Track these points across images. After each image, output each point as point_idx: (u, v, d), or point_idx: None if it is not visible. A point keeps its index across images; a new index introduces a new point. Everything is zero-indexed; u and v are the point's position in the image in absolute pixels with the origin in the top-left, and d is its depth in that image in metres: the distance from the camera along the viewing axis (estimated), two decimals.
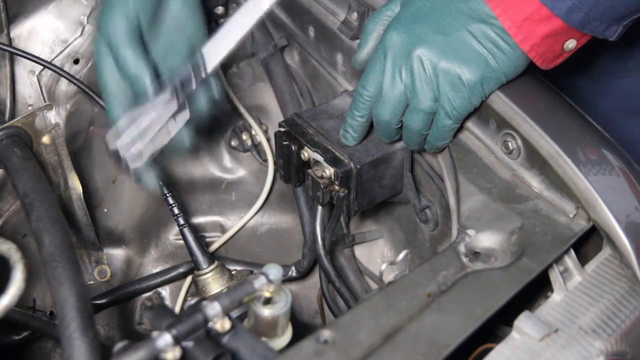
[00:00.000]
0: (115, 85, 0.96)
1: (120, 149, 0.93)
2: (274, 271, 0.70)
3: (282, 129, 0.99)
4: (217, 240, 1.28)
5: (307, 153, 0.96)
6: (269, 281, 0.69)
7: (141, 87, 0.93)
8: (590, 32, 0.81)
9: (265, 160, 1.28)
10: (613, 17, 0.80)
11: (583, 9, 0.78)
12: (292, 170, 0.97)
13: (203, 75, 0.94)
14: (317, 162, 0.95)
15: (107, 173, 1.24)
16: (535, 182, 0.86)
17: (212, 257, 1.07)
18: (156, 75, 0.95)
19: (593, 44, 0.86)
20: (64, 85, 1.19)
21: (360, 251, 1.23)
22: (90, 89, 1.10)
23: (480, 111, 0.89)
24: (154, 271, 1.23)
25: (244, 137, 1.28)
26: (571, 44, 0.83)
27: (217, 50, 0.94)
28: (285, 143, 0.97)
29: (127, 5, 0.93)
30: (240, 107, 1.27)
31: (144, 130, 0.93)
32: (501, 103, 0.87)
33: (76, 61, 1.21)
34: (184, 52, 1.01)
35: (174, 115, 0.94)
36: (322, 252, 1.06)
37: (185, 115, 0.95)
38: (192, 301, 0.70)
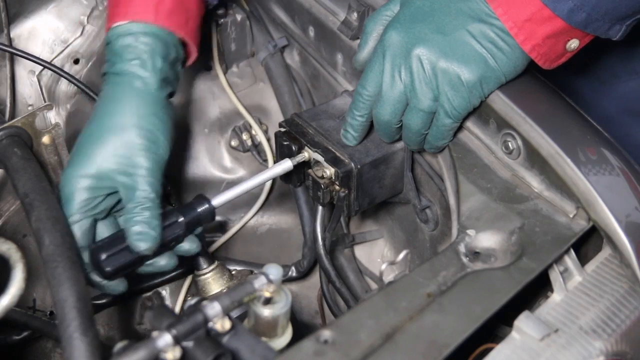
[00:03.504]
0: (87, 204, 0.89)
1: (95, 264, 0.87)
2: (274, 271, 0.70)
3: (282, 129, 0.99)
4: (217, 240, 1.28)
5: (307, 153, 0.95)
6: (269, 281, 0.69)
7: (142, 244, 0.86)
8: (593, 32, 0.81)
9: (265, 160, 1.28)
10: (615, 17, 0.80)
11: (585, 9, 0.78)
12: (293, 170, 0.97)
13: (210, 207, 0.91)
14: (317, 162, 0.95)
15: None
16: (535, 182, 0.86)
17: (212, 257, 1.07)
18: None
19: (600, 47, 0.86)
20: (64, 85, 1.19)
21: (360, 251, 1.23)
22: (90, 89, 1.10)
23: (480, 111, 0.89)
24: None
25: (244, 137, 1.28)
26: (574, 44, 0.83)
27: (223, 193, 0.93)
28: (285, 143, 0.97)
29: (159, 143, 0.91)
30: (240, 107, 1.27)
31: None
32: (501, 103, 0.87)
33: (76, 61, 1.21)
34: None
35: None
36: (322, 252, 1.06)
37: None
38: (192, 301, 0.70)
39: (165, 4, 0.96)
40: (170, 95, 1.00)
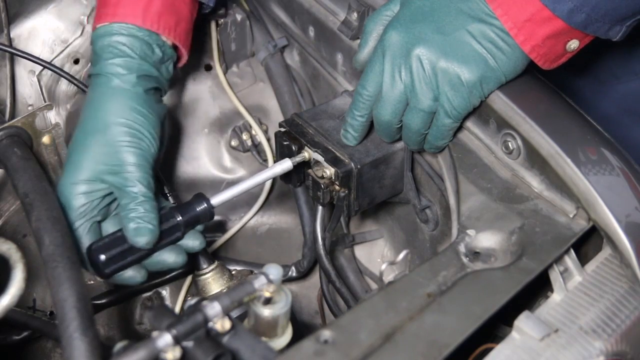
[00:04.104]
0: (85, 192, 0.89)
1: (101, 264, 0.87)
2: (274, 271, 0.70)
3: (282, 129, 0.99)
4: (217, 240, 1.28)
5: (307, 153, 0.95)
6: (269, 281, 0.69)
7: (141, 238, 0.86)
8: (593, 32, 0.81)
9: (265, 160, 1.28)
10: (615, 18, 0.80)
11: (584, 10, 0.78)
12: (293, 170, 0.97)
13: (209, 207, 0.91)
14: (317, 162, 0.95)
15: None
16: (535, 182, 0.86)
17: (212, 257, 1.07)
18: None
19: (600, 48, 0.86)
20: (64, 85, 1.19)
21: (360, 251, 1.23)
22: None
23: (480, 111, 0.89)
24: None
25: (244, 137, 1.28)
26: (574, 44, 0.83)
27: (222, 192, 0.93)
28: (285, 143, 0.97)
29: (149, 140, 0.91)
30: (240, 107, 1.27)
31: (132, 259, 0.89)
32: (501, 103, 0.87)
33: (76, 61, 1.21)
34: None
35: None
36: (322, 252, 1.06)
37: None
38: (192, 301, 0.70)
39: (154, 6, 0.97)
40: (159, 92, 1.00)
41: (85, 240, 0.89)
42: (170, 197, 1.10)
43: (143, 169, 0.89)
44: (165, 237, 0.90)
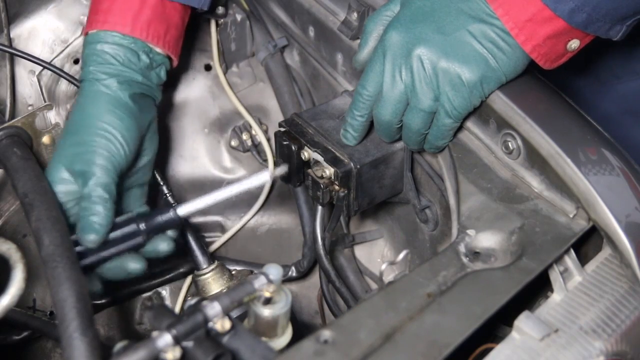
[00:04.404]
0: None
1: None
2: (274, 271, 0.70)
3: (282, 129, 0.99)
4: (217, 240, 1.28)
5: (307, 153, 0.95)
6: (269, 281, 0.69)
7: (88, 236, 0.85)
8: (594, 32, 0.81)
9: (265, 160, 1.28)
10: (616, 17, 0.80)
11: (585, 9, 0.78)
12: (292, 170, 0.97)
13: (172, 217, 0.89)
14: (317, 162, 0.95)
15: None
16: (535, 182, 0.86)
17: (212, 257, 1.07)
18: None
19: (600, 47, 0.86)
20: (64, 85, 1.19)
21: (360, 251, 1.23)
22: None
23: (480, 111, 0.89)
24: (154, 271, 1.23)
25: (244, 137, 1.28)
26: (574, 44, 0.83)
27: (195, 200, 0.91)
28: (285, 143, 0.97)
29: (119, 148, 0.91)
30: (240, 107, 1.27)
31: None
32: (501, 103, 0.87)
33: (76, 61, 1.21)
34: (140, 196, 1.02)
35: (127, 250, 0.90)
36: (322, 252, 1.06)
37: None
38: (192, 301, 0.70)
39: (144, 14, 0.98)
40: (147, 99, 1.00)
41: None
42: (169, 197, 1.10)
43: (105, 171, 0.89)
44: (124, 240, 0.89)
